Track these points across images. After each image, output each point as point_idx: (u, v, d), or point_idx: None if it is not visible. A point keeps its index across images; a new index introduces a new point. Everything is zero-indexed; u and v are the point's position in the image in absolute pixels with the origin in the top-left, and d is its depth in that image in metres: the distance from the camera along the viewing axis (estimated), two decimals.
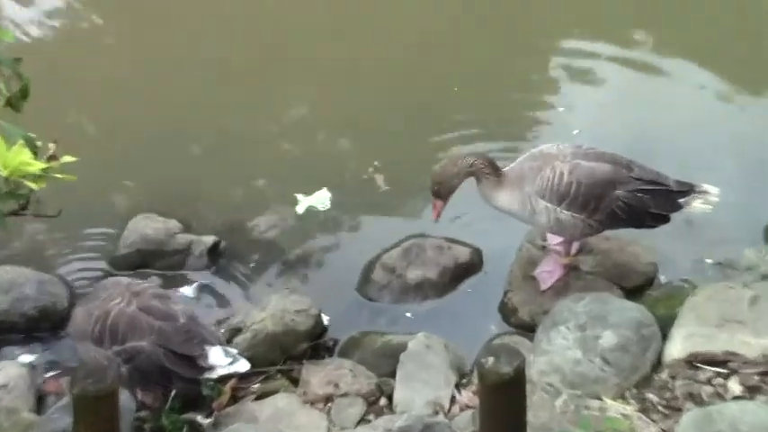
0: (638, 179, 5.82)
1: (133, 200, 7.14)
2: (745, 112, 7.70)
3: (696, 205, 5.91)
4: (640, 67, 8.16)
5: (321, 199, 6.88)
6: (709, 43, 8.29)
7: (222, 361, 5.36)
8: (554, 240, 6.38)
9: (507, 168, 5.95)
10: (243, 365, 5.42)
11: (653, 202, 5.82)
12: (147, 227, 6.79)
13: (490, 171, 5.79)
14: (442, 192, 5.83)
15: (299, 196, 6.91)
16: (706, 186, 5.95)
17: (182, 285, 6.59)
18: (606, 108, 7.75)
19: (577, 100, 7.94)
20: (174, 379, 5.39)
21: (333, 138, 7.63)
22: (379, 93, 7.93)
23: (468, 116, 7.70)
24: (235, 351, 5.47)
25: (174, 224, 6.86)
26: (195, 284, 6.63)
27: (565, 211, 5.81)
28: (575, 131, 7.54)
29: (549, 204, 5.80)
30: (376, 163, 7.33)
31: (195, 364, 5.36)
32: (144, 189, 7.25)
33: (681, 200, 5.90)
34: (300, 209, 6.87)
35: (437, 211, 5.92)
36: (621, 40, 8.37)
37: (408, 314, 6.48)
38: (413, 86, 7.93)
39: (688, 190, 5.91)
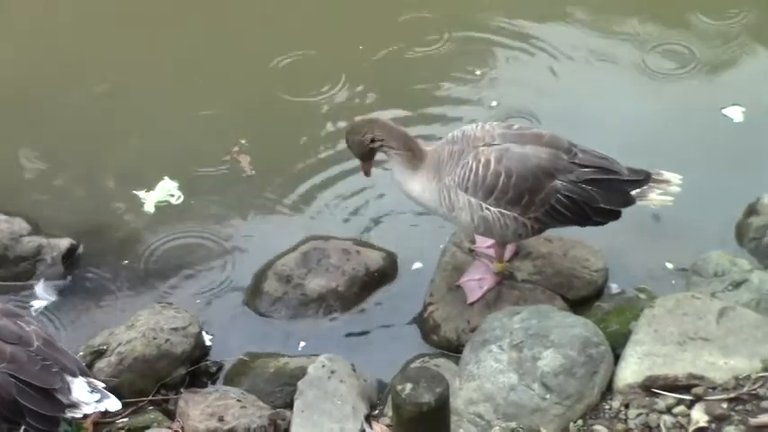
0: (582, 166, 5.51)
1: None
2: (703, 88, 7.37)
3: (654, 197, 5.63)
4: (574, 27, 7.85)
5: (166, 190, 6.76)
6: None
7: (88, 397, 5.07)
8: (484, 243, 6.13)
9: (431, 148, 5.67)
10: (113, 404, 5.12)
11: (601, 194, 5.51)
12: None
13: (400, 147, 5.54)
14: (357, 155, 5.73)
15: (140, 194, 6.80)
16: (666, 174, 5.67)
17: (30, 299, 6.33)
18: (531, 75, 7.45)
19: (497, 65, 7.61)
20: (28, 416, 5.01)
21: (184, 112, 7.30)
22: (241, 51, 7.61)
23: (359, 80, 7.37)
24: (101, 385, 5.18)
25: (20, 224, 6.57)
26: (41, 284, 6.37)
27: (492, 208, 5.52)
28: (493, 103, 7.27)
29: (472, 199, 5.51)
30: (243, 141, 7.04)
31: (54, 398, 5.03)
32: None
33: (635, 191, 5.60)
34: (149, 207, 6.77)
35: (363, 170, 5.82)
36: None
37: (307, 333, 6.21)
38: (290, 41, 7.61)
39: (644, 179, 5.62)
